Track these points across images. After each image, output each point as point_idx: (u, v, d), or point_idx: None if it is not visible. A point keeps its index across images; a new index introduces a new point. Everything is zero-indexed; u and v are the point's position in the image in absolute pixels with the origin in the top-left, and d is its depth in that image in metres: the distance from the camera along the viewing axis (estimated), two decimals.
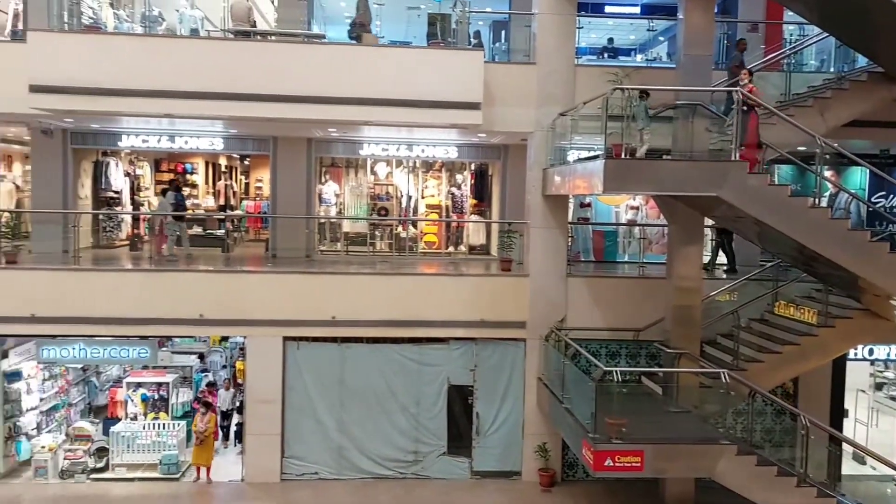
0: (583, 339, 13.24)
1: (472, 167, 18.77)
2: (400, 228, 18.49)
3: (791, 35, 15.79)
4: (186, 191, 22.23)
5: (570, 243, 14.77)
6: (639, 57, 18.30)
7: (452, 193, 18.72)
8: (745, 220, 10.70)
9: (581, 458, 10.58)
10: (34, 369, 14.33)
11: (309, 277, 14.12)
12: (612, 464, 9.72)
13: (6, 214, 14.05)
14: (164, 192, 16.41)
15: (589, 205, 17.24)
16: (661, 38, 16.54)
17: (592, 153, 12.66)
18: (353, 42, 13.84)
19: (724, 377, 10.33)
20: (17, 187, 19.32)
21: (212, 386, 15.77)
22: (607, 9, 17.58)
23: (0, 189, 18.49)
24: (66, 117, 14.30)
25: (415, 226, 18.65)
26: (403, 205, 18.82)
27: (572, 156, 13.96)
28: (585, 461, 10.21)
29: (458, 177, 18.86)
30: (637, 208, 17.32)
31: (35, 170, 16.79)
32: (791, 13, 13.90)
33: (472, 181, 18.74)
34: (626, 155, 10.25)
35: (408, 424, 14.02)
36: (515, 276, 14.15)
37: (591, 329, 13.75)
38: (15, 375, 13.88)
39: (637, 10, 17.32)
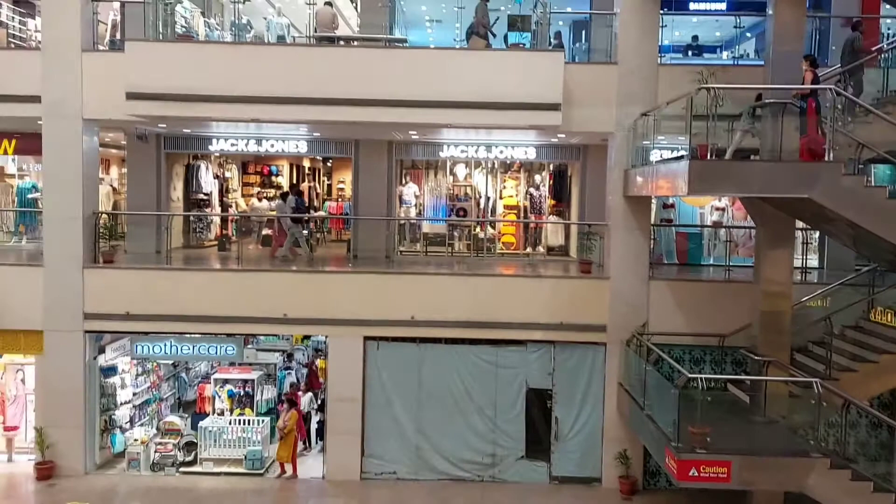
0: (665, 343, 12.94)
1: (551, 167, 18.61)
2: (478, 229, 18.50)
3: (889, 29, 14.97)
4: (271, 192, 22.99)
5: (652, 245, 14.44)
6: (725, 54, 17.74)
7: (531, 194, 18.62)
8: (838, 223, 10.22)
9: (664, 466, 10.34)
10: (128, 364, 15.03)
11: (389, 277, 14.34)
12: (696, 474, 9.46)
13: (104, 216, 14.69)
14: (283, 196, 16.95)
15: (672, 206, 16.83)
16: (749, 35, 15.98)
17: (676, 153, 12.34)
18: (464, 45, 13.93)
19: (817, 387, 9.89)
20: (114, 189, 20.32)
21: (294, 387, 16.16)
22: (692, 5, 17.11)
23: (98, 191, 19.46)
24: (160, 123, 14.95)
25: (493, 226, 18.63)
26: (482, 206, 18.84)
27: (654, 156, 13.64)
28: (669, 470, 9.97)
29: (537, 177, 18.74)
30: (723, 209, 16.79)
31: (131, 173, 17.65)
32: (889, 6, 13.19)
33: (551, 182, 18.59)
34: (711, 155, 9.96)
35: (485, 427, 14.00)
36: (595, 279, 13.96)
37: (674, 334, 13.41)
38: (111, 370, 14.59)
39: (723, 6, 16.79)
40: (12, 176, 18.23)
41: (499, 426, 14.00)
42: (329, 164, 25.50)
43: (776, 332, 11.54)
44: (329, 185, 25.63)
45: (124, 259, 15.00)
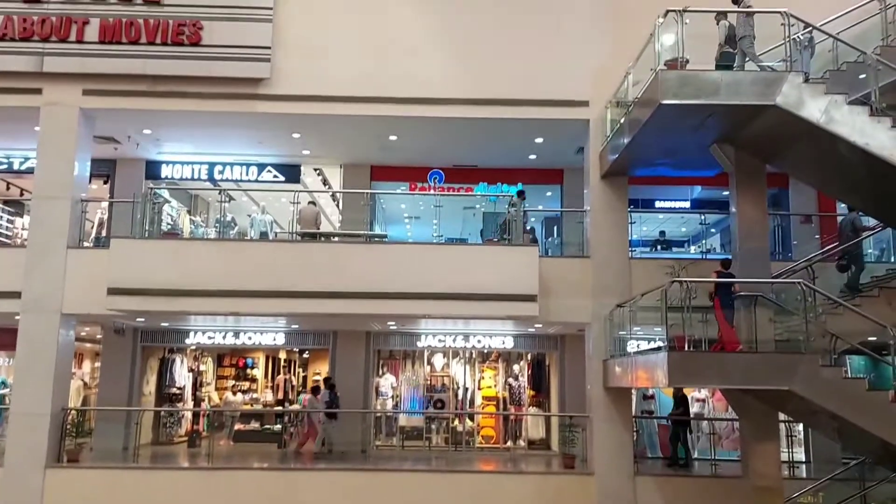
0: None
1: (529, 357, 18.63)
2: (456, 422, 18.09)
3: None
4: (245, 385, 22.56)
5: (635, 437, 14.15)
6: (692, 248, 18.57)
7: (510, 384, 18.47)
8: (821, 415, 10.18)
9: None
10: None
11: (364, 475, 13.80)
12: None
13: (73, 412, 14.16)
14: (314, 390, 16.59)
15: (652, 396, 16.71)
16: (714, 230, 16.90)
17: (653, 344, 12.48)
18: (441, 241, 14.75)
19: None
20: (85, 384, 19.82)
21: None
22: (658, 203, 18.15)
23: (70, 387, 18.98)
24: (140, 317, 14.94)
25: (471, 419, 18.25)
26: (460, 397, 18.58)
27: (632, 346, 13.78)
28: None
29: (516, 367, 18.69)
30: (703, 400, 16.67)
31: (104, 367, 17.35)
32: (843, 205, 14.09)
33: (530, 371, 18.53)
34: (689, 347, 10.08)
35: None
36: (580, 475, 13.51)
37: None
38: None
39: (687, 204, 17.84)
40: None
41: None
42: (305, 356, 25.31)
43: None
44: (304, 377, 25.28)
45: (90, 457, 14.29)
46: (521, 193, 14.71)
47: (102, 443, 15.50)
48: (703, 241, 16.22)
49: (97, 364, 19.56)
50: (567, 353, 16.95)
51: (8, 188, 18.04)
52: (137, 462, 14.21)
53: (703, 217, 15.95)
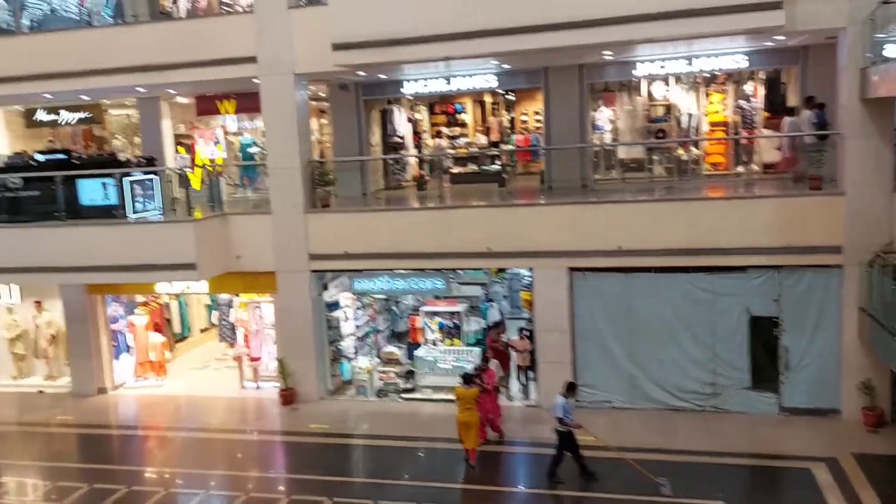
0: None
1: (763, 75, 17.00)
2: (680, 150, 17.42)
3: None
4: (457, 130, 23.06)
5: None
6: None
7: (740, 107, 17.18)
8: None
9: None
10: (349, 299, 15.98)
11: (590, 207, 13.96)
12: None
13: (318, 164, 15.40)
14: (789, 112, 15.50)
15: None
16: None
17: None
18: None
19: None
20: (317, 140, 21.34)
21: (496, 328, 15.82)
22: None
23: (311, 142, 20.49)
24: (361, 70, 15.33)
25: (696, 146, 17.43)
26: (684, 124, 17.68)
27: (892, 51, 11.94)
28: None
29: (747, 87, 17.20)
30: None
31: (335, 122, 18.50)
32: None
33: (765, 91, 17.00)
34: None
35: (703, 356, 13.40)
36: (826, 195, 12.68)
37: None
38: (334, 305, 15.64)
39: None
40: (229, 133, 19.71)
41: (718, 355, 13.33)
42: (511, 97, 25.06)
43: None
44: (512, 119, 25.28)
45: (336, 203, 15.75)
46: None
47: (342, 191, 16.93)
48: None
49: (323, 121, 20.81)
50: (811, 66, 15.17)
51: None
52: (378, 206, 15.42)
53: None
